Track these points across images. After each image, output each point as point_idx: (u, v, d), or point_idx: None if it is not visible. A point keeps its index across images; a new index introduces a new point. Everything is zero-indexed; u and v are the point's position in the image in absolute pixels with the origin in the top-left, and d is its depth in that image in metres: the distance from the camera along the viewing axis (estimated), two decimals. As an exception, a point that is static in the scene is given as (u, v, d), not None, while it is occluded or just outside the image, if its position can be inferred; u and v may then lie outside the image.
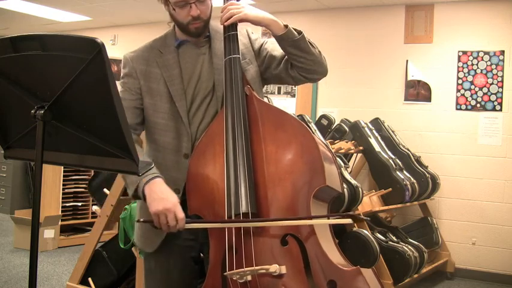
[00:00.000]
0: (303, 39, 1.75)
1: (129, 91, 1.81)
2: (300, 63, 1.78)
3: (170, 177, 1.77)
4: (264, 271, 1.55)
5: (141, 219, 1.73)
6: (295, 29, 1.75)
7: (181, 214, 1.63)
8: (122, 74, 1.85)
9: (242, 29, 1.87)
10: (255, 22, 1.77)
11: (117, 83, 1.74)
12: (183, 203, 1.78)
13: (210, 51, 1.84)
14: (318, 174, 1.59)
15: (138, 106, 1.81)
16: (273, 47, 1.87)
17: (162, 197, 1.63)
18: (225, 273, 1.61)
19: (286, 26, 1.75)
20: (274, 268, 1.55)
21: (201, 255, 1.90)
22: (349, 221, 1.64)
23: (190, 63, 1.82)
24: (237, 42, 1.79)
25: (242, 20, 1.77)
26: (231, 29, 1.79)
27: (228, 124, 1.69)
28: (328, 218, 1.72)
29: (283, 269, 1.56)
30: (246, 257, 1.60)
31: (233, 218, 1.61)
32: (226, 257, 1.63)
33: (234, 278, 1.58)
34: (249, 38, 1.90)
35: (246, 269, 1.57)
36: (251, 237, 1.60)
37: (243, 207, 1.59)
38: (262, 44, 1.90)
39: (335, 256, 1.60)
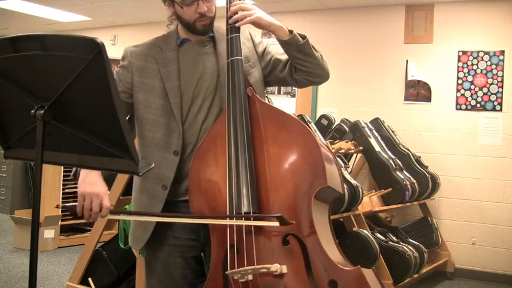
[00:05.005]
0: (307, 43, 1.78)
1: (117, 82, 1.81)
2: (303, 67, 1.81)
3: (157, 173, 1.78)
4: (265, 270, 1.56)
5: (61, 206, 1.74)
6: (299, 34, 1.78)
7: (107, 203, 1.62)
8: (119, 64, 1.87)
9: (245, 31, 1.88)
10: (265, 26, 1.79)
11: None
12: (183, 202, 1.79)
13: (215, 52, 1.85)
14: (320, 174, 1.60)
15: (122, 98, 1.80)
16: (277, 51, 1.90)
17: (93, 181, 1.63)
18: (226, 272, 1.62)
19: (291, 32, 1.77)
20: (275, 267, 1.55)
21: (202, 254, 1.90)
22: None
23: (191, 62, 1.83)
24: (240, 44, 1.79)
25: (254, 23, 1.78)
26: (234, 31, 1.79)
27: (230, 125, 1.69)
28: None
29: (284, 269, 1.56)
30: (247, 256, 1.60)
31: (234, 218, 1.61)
32: (227, 256, 1.64)
33: (235, 277, 1.59)
34: (253, 41, 1.92)
35: (247, 267, 1.57)
36: (252, 236, 1.61)
37: (245, 207, 1.60)
38: (265, 48, 1.93)
39: (336, 256, 1.60)
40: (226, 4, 1.83)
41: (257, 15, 1.76)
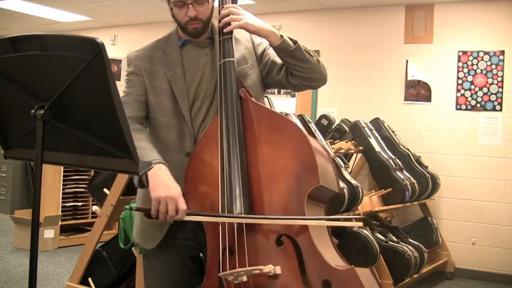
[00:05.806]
0: (298, 48, 1.76)
1: (135, 87, 1.82)
2: (297, 72, 1.80)
3: (173, 176, 1.77)
4: (258, 271, 1.55)
5: (134, 208, 1.71)
6: (290, 39, 1.77)
7: (183, 206, 1.61)
8: (126, 72, 1.86)
9: (246, 32, 1.87)
10: (254, 32, 1.78)
11: (118, 82, 1.76)
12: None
13: (213, 53, 1.85)
14: (312, 174, 1.59)
15: (143, 101, 1.82)
16: (275, 53, 1.88)
17: (167, 184, 1.62)
18: (219, 274, 1.61)
19: (281, 37, 1.76)
20: (268, 268, 1.55)
21: (201, 254, 1.90)
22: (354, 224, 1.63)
23: (193, 63, 1.83)
24: (232, 46, 1.79)
25: (242, 28, 1.78)
26: (226, 33, 1.79)
27: (222, 127, 1.69)
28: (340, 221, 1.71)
29: (278, 270, 1.56)
30: (240, 258, 1.60)
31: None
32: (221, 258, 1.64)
33: (229, 279, 1.58)
34: (253, 43, 1.91)
35: (239, 269, 1.57)
36: (245, 238, 1.60)
37: (237, 209, 1.60)
38: (265, 49, 1.91)
39: (331, 256, 1.59)
40: (219, 6, 1.83)
41: (245, 20, 1.75)
